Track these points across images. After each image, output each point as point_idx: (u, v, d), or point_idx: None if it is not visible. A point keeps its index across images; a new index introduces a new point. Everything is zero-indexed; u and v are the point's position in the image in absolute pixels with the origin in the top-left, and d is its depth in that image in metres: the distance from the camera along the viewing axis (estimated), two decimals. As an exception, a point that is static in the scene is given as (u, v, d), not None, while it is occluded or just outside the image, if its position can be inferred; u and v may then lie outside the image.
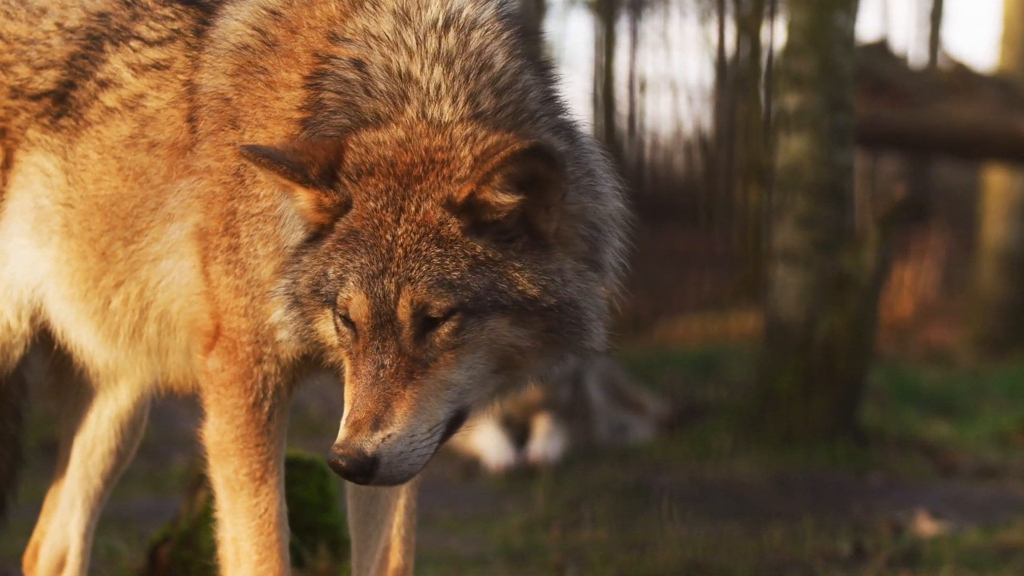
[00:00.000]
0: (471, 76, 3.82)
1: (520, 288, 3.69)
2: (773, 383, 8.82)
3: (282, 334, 3.91)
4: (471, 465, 9.21)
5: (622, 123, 17.33)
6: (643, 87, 17.17)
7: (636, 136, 17.09)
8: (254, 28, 4.10)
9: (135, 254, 4.23)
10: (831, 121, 8.83)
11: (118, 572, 5.85)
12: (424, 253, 3.67)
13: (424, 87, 3.80)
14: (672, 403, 10.12)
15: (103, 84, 4.32)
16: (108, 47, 4.35)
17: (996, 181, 14.54)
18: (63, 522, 4.89)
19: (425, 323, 3.68)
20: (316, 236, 3.81)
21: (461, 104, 3.79)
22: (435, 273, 3.66)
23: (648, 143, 17.30)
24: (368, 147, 3.76)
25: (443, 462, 9.02)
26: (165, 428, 8.89)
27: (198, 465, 5.42)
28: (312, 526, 5.58)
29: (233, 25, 4.14)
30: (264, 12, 4.11)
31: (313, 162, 3.76)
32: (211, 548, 4.28)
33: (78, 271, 4.32)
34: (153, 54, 4.28)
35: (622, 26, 18.15)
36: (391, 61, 3.85)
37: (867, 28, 29.42)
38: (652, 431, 9.79)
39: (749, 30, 15.97)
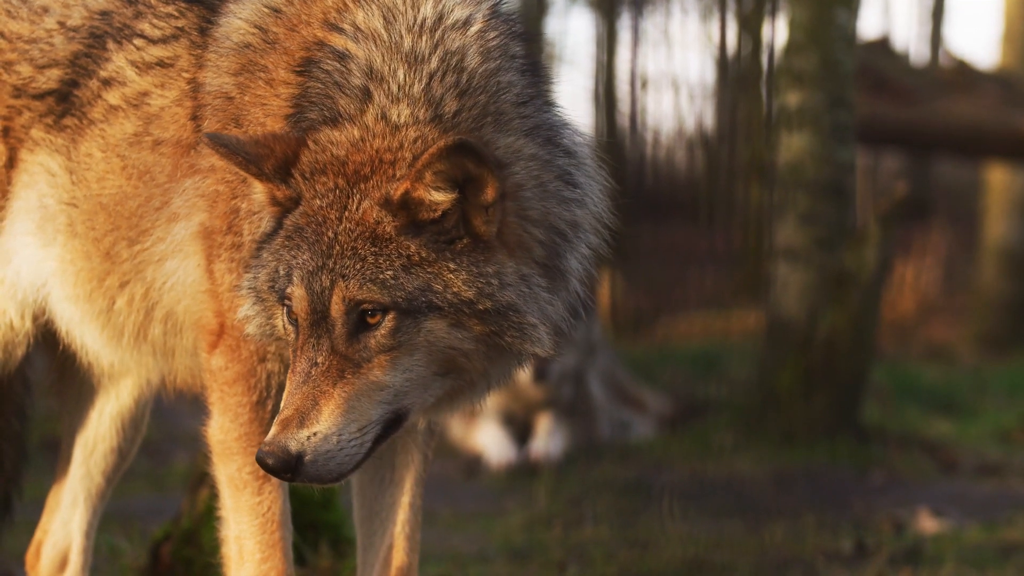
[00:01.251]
0: (435, 78, 3.84)
1: (455, 290, 3.70)
2: (774, 381, 8.82)
3: (250, 328, 3.94)
4: (473, 463, 9.21)
5: (623, 121, 17.32)
6: (645, 84, 17.15)
7: (637, 134, 17.07)
8: (256, 26, 4.11)
9: (140, 254, 4.23)
10: (832, 119, 8.83)
11: (120, 570, 5.85)
12: (359, 251, 3.70)
13: (388, 87, 3.83)
14: (673, 401, 10.11)
15: (107, 82, 4.32)
16: (111, 45, 4.35)
17: (997, 179, 14.53)
18: (65, 520, 4.90)
19: (359, 323, 3.70)
20: (273, 231, 3.85)
21: (420, 106, 3.81)
22: (368, 272, 3.69)
23: (649, 140, 17.28)
24: (324, 146, 3.80)
25: (445, 460, 9.03)
26: (167, 426, 8.89)
27: (200, 463, 5.44)
28: (314, 524, 5.58)
29: (236, 23, 4.14)
30: (266, 10, 4.12)
31: (270, 155, 3.81)
32: (213, 546, 4.28)
33: (82, 271, 4.32)
34: (157, 52, 4.28)
35: (623, 23, 18.14)
36: (370, 57, 3.88)
37: (868, 25, 29.41)
38: (653, 429, 9.79)
39: (750, 27, 15.96)
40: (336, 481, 3.76)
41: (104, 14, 4.39)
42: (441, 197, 3.70)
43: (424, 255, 3.70)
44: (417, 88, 3.82)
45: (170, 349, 4.35)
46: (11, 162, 4.42)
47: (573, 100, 18.27)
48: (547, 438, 9.32)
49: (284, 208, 3.83)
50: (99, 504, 4.92)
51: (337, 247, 3.71)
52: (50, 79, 4.39)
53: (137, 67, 4.30)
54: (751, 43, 16.00)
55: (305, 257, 3.74)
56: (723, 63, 16.94)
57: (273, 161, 3.81)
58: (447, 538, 6.92)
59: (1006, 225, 14.46)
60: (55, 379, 4.88)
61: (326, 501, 5.63)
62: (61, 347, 4.59)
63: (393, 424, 3.77)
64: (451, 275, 3.70)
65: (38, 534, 4.92)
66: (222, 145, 3.83)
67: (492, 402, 9.42)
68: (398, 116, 3.80)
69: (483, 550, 6.75)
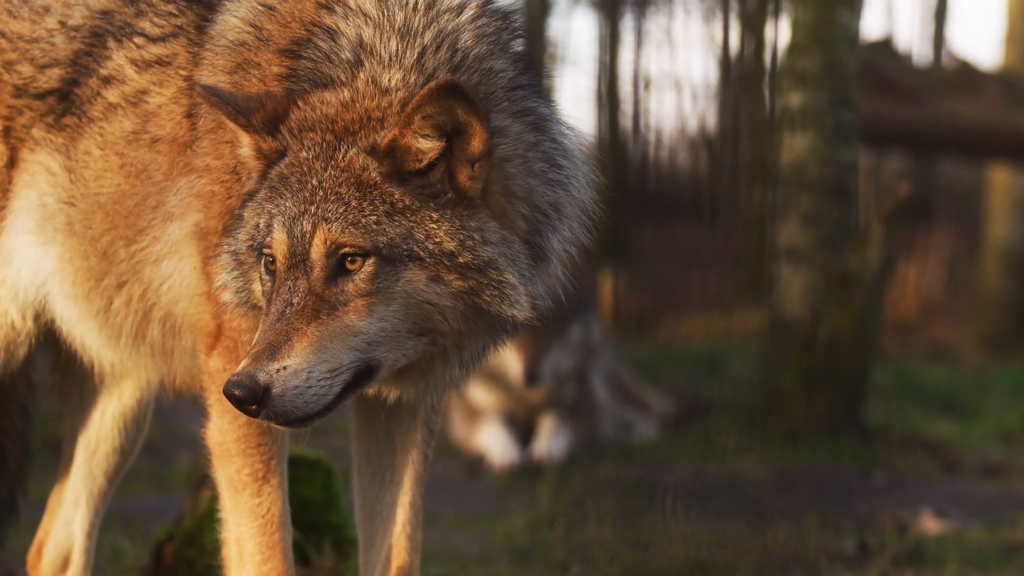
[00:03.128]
0: (428, 50, 3.87)
1: (437, 240, 3.70)
2: (777, 381, 8.82)
3: (226, 296, 3.96)
4: (475, 463, 9.21)
5: (626, 121, 17.34)
6: (647, 85, 17.16)
7: (640, 134, 17.08)
8: (250, 24, 4.12)
9: (137, 254, 4.23)
10: (835, 119, 8.82)
11: (122, 570, 5.85)
12: (343, 196, 3.72)
13: (380, 56, 3.86)
14: (676, 401, 10.11)
15: (106, 80, 4.33)
16: (112, 43, 4.35)
17: (1000, 179, 14.52)
18: (67, 520, 4.90)
19: (339, 266, 3.71)
20: (257, 188, 3.87)
21: (412, 73, 3.84)
22: (351, 215, 3.71)
23: (652, 141, 17.30)
24: (314, 105, 3.83)
25: (448, 461, 9.03)
26: (169, 426, 8.89)
27: (202, 464, 5.43)
28: (316, 524, 5.58)
29: (232, 22, 4.15)
30: (260, 8, 4.13)
31: (259, 109, 3.84)
32: (215, 547, 4.28)
33: (80, 270, 4.32)
34: (156, 50, 4.29)
35: (626, 24, 18.13)
36: (360, 32, 3.90)
37: (871, 26, 29.39)
38: (656, 429, 9.79)
39: (753, 28, 15.97)
40: (302, 423, 3.73)
41: (105, 13, 4.40)
42: (427, 145, 3.72)
43: (408, 203, 3.72)
44: (410, 57, 3.85)
45: (169, 350, 4.35)
46: (12, 162, 4.42)
47: (576, 100, 18.26)
48: (550, 438, 9.32)
49: (269, 161, 3.86)
50: (101, 504, 4.93)
51: (321, 192, 3.73)
52: (51, 78, 4.40)
53: (136, 65, 4.31)
54: (754, 43, 16.01)
55: (288, 204, 3.76)
56: (726, 63, 16.95)
57: (262, 114, 3.84)
58: (450, 538, 6.92)
59: (1009, 225, 14.45)
60: (57, 379, 4.88)
61: (328, 502, 5.63)
62: (63, 347, 4.59)
63: (364, 375, 3.76)
64: (433, 225, 3.71)
65: (40, 534, 4.92)
66: (216, 95, 3.86)
67: (495, 403, 9.44)
68: (389, 80, 3.83)
69: (486, 550, 6.74)
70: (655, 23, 18.14)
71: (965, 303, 15.82)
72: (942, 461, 8.94)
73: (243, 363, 3.68)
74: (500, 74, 3.92)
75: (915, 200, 13.06)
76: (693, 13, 18.44)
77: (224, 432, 4.14)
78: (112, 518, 6.27)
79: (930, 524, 7.22)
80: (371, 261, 3.70)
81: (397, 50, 3.85)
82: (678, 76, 17.50)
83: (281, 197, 3.78)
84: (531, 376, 9.18)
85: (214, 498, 4.30)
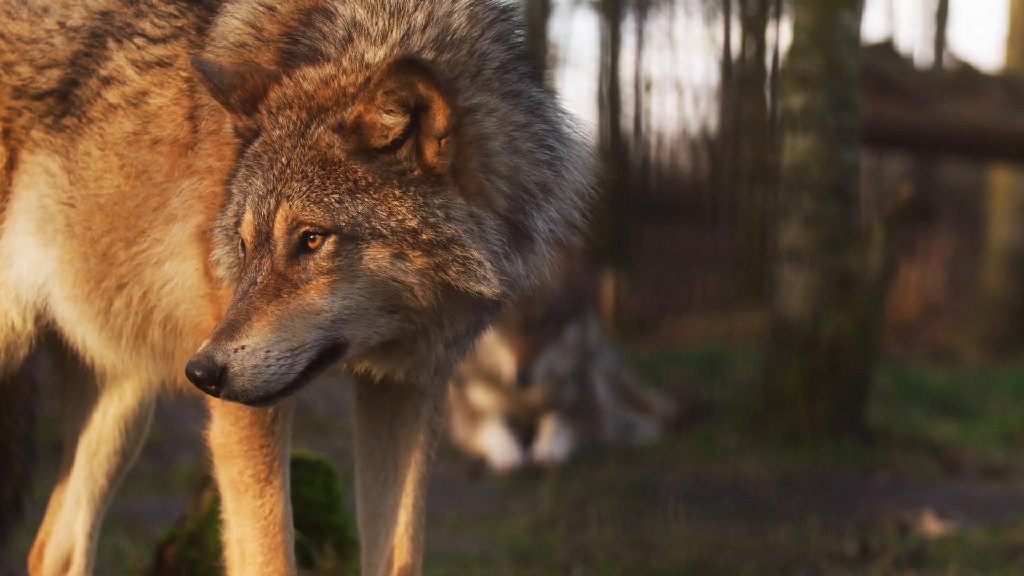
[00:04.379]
0: (417, 30, 3.86)
1: (399, 217, 3.69)
2: (779, 382, 8.82)
3: (220, 271, 3.97)
4: (477, 465, 9.21)
5: (628, 123, 17.34)
6: (648, 87, 17.15)
7: (642, 136, 17.08)
8: (251, 25, 4.12)
9: (137, 256, 4.23)
10: (836, 121, 8.82)
11: (124, 572, 5.85)
12: (308, 174, 3.72)
13: (368, 34, 3.86)
14: (678, 402, 10.11)
15: (106, 81, 4.32)
16: (112, 44, 4.35)
17: (1002, 181, 14.52)
18: (68, 522, 4.90)
19: (300, 245, 3.71)
20: (236, 168, 3.89)
21: (396, 51, 3.81)
22: (313, 194, 3.70)
23: (654, 143, 17.29)
24: (296, 81, 3.83)
25: (449, 462, 9.03)
26: (171, 428, 8.89)
27: (204, 465, 5.44)
28: (318, 526, 5.58)
29: (232, 23, 4.15)
30: (260, 8, 4.12)
31: (240, 87, 3.85)
32: (217, 548, 4.28)
33: (80, 272, 4.32)
34: (157, 51, 4.29)
35: (627, 26, 18.12)
36: (355, 12, 3.90)
37: (873, 27, 29.38)
38: (658, 430, 9.79)
39: (754, 30, 15.97)
40: (264, 402, 3.73)
41: (105, 14, 4.39)
42: (392, 120, 3.72)
43: (371, 180, 3.71)
44: (396, 35, 3.85)
45: (170, 352, 4.35)
46: (11, 163, 4.42)
47: (577, 102, 18.24)
48: (551, 440, 9.32)
49: (245, 139, 3.87)
50: (102, 506, 4.92)
51: (288, 171, 3.74)
52: (50, 79, 4.39)
53: (137, 66, 4.31)
54: (755, 45, 16.02)
55: (258, 183, 3.77)
56: (727, 65, 16.95)
57: (241, 93, 3.85)
58: (451, 539, 6.92)
59: (1010, 227, 14.45)
60: (58, 381, 4.88)
61: (330, 503, 5.62)
62: (64, 348, 4.59)
63: (331, 354, 3.75)
64: (396, 202, 3.70)
65: (41, 535, 4.92)
66: (203, 71, 3.88)
67: (495, 404, 9.45)
68: (373, 56, 3.83)
69: (487, 552, 6.74)
70: (656, 25, 18.14)
71: (966, 304, 15.82)
72: (944, 462, 8.94)
73: (204, 343, 3.70)
74: (491, 56, 3.91)
75: (916, 202, 13.06)
76: (694, 15, 18.43)
77: (227, 434, 4.14)
78: (114, 519, 6.27)
79: (932, 525, 7.23)
80: (332, 239, 3.69)
81: (385, 28, 3.85)
82: (679, 78, 17.49)
83: (254, 176, 3.79)
84: (523, 377, 9.18)
85: (216, 499, 4.30)
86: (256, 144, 3.83)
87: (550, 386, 9.43)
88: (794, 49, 8.91)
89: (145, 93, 4.27)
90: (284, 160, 3.75)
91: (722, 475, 8.35)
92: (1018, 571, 6.42)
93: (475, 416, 9.52)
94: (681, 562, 6.41)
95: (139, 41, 4.32)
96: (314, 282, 3.70)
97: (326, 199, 3.70)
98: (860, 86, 9.15)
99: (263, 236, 3.74)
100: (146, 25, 4.33)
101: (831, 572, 6.31)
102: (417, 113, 3.72)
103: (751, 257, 15.15)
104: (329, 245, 3.70)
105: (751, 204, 15.27)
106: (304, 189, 3.71)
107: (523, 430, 9.45)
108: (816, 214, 8.82)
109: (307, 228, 3.71)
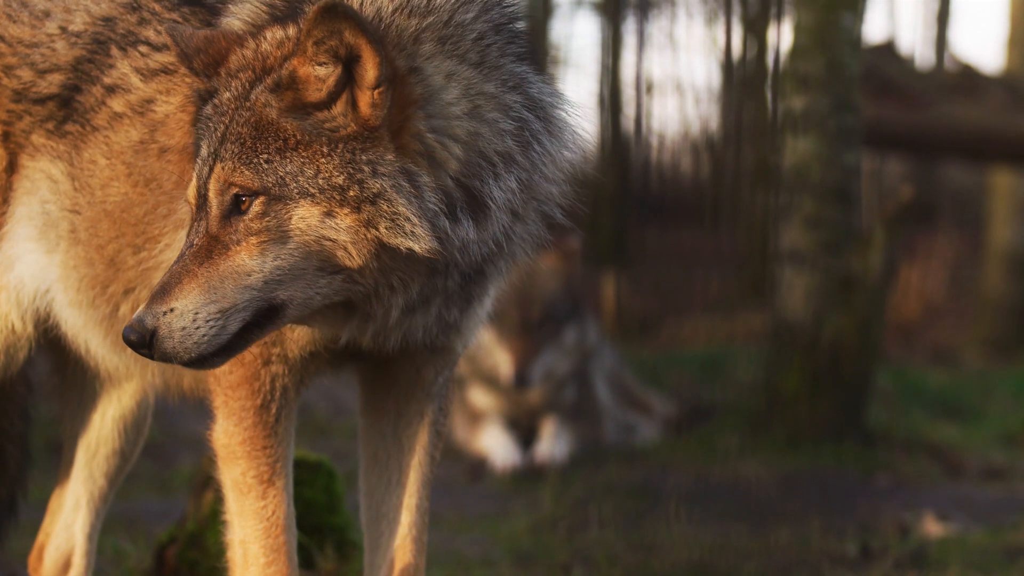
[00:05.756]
0: None
1: (325, 175, 3.68)
2: (780, 384, 8.82)
3: None
4: (478, 466, 9.21)
5: (629, 124, 17.34)
6: (650, 88, 17.16)
7: (643, 137, 17.09)
8: (253, 25, 4.11)
9: (146, 261, 4.23)
10: (838, 122, 8.82)
11: (125, 573, 5.86)
12: (242, 135, 3.72)
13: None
14: (679, 404, 10.11)
15: (111, 89, 4.32)
16: (115, 52, 4.35)
17: (1003, 183, 14.52)
18: (68, 523, 4.90)
19: (232, 206, 3.71)
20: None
21: (363, 10, 3.80)
22: (244, 155, 3.70)
23: (655, 144, 17.29)
24: (258, 42, 3.84)
25: (450, 463, 9.03)
26: (171, 429, 8.89)
27: (204, 466, 5.44)
28: (319, 527, 5.58)
29: (235, 24, 4.14)
30: (262, 8, 4.12)
31: (205, 51, 3.86)
32: (218, 549, 4.28)
33: (86, 277, 4.32)
34: (161, 58, 4.29)
35: (628, 27, 18.12)
36: None
37: (874, 29, 29.40)
38: (659, 432, 9.79)
39: (756, 31, 15.98)
40: (199, 364, 3.73)
41: (107, 20, 4.39)
42: (324, 72, 3.70)
43: (300, 138, 3.70)
44: (368, 3, 3.82)
45: (176, 354, 4.35)
46: (11, 167, 4.42)
47: (578, 104, 18.23)
48: (552, 441, 9.32)
49: (204, 101, 3.88)
50: (102, 507, 4.93)
51: (228, 134, 3.74)
52: (51, 83, 4.39)
53: (142, 74, 4.31)
54: (756, 47, 16.02)
55: (203, 148, 3.79)
56: (728, 67, 16.95)
57: (204, 57, 3.86)
58: (452, 541, 6.92)
59: (1012, 229, 14.45)
60: (57, 382, 4.88)
61: (331, 504, 5.63)
62: (63, 351, 4.59)
63: (268, 316, 3.74)
64: (324, 160, 3.69)
65: (40, 537, 4.93)
66: (173, 36, 3.90)
67: (495, 406, 9.45)
68: None
69: (488, 553, 6.74)
70: (657, 26, 18.15)
71: (967, 306, 15.82)
72: (944, 464, 8.94)
73: (139, 308, 3.71)
74: (472, 28, 3.88)
75: (917, 203, 13.06)
76: (695, 16, 18.44)
77: (229, 435, 4.14)
78: (114, 520, 6.28)
79: (932, 527, 7.23)
80: (260, 200, 3.69)
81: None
82: (680, 79, 17.50)
83: (203, 139, 3.81)
84: (520, 378, 9.18)
85: (217, 500, 4.30)
86: (208, 107, 3.84)
87: (549, 387, 9.44)
88: (795, 50, 8.91)
89: (151, 101, 4.27)
90: (226, 123, 3.76)
91: (723, 476, 8.35)
92: (1019, 573, 6.43)
93: (475, 417, 9.52)
94: (682, 563, 6.40)
95: (143, 49, 4.33)
96: (244, 243, 3.70)
97: (255, 160, 3.70)
98: (861, 88, 9.15)
99: (201, 199, 3.75)
100: (150, 32, 4.33)
101: (832, 573, 6.31)
102: (350, 65, 3.69)
103: (752, 258, 15.16)
104: (257, 206, 3.69)
105: (752, 205, 15.28)
106: (236, 151, 3.71)
107: (523, 431, 9.45)
108: (817, 215, 8.82)
109: (236, 190, 3.71)
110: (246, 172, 3.70)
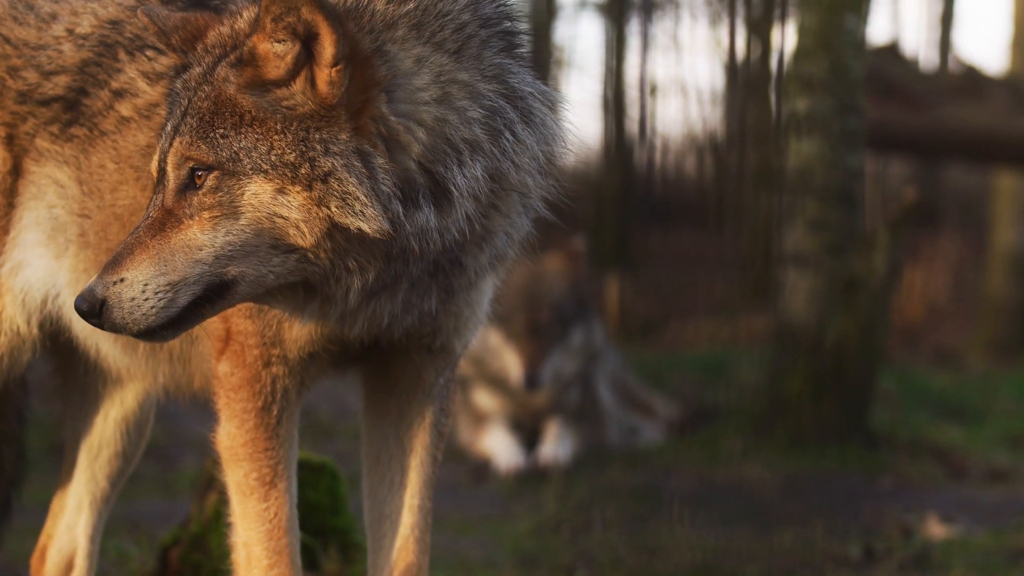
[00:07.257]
0: None
1: (278, 152, 3.67)
2: (783, 386, 8.82)
3: None
4: (481, 468, 9.21)
5: (633, 126, 17.33)
6: (653, 90, 17.16)
7: (646, 139, 17.08)
8: None
9: (155, 263, 4.23)
10: (841, 124, 8.82)
11: (128, 575, 5.86)
12: (201, 110, 3.72)
13: None
14: (682, 406, 10.11)
15: (118, 94, 4.33)
16: (123, 56, 4.35)
17: (1006, 185, 14.52)
18: (70, 525, 4.90)
19: (188, 181, 3.71)
20: None
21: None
22: (201, 130, 3.70)
23: (658, 146, 17.29)
24: (234, 21, 3.85)
25: (453, 465, 9.03)
26: (174, 430, 8.90)
27: (208, 467, 5.44)
28: (322, 529, 5.58)
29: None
30: None
31: (183, 28, 3.87)
32: (221, 551, 4.29)
33: (96, 281, 4.32)
34: (168, 62, 4.28)
35: (632, 29, 18.11)
36: None
37: (877, 31, 29.42)
38: (662, 434, 9.79)
39: (759, 33, 15.97)
40: (148, 336, 3.73)
41: (114, 23, 4.39)
42: (282, 48, 3.69)
43: (256, 114, 3.69)
44: None
45: (186, 356, 4.35)
46: (16, 171, 4.42)
47: (582, 105, 18.26)
48: (555, 443, 9.32)
49: (178, 76, 3.89)
50: (104, 508, 4.93)
51: (190, 108, 3.75)
52: (57, 85, 4.39)
53: (148, 78, 4.31)
54: (760, 48, 16.02)
55: (168, 123, 3.80)
56: (732, 68, 16.95)
57: (182, 33, 3.87)
58: (455, 543, 6.93)
59: (1015, 231, 14.44)
60: (59, 384, 4.89)
61: (334, 506, 5.63)
62: (65, 352, 4.59)
63: (219, 291, 3.73)
64: (277, 136, 3.68)
65: (43, 539, 4.93)
66: (147, 16, 3.91)
67: (499, 407, 9.45)
68: None
69: (491, 555, 6.75)
70: (661, 28, 18.15)
71: (971, 308, 15.81)
72: (948, 466, 8.94)
73: (92, 278, 3.72)
74: (453, 18, 3.86)
75: (921, 205, 13.04)
76: (699, 18, 18.44)
77: (232, 436, 4.14)
78: (118, 522, 6.28)
79: (936, 529, 7.22)
80: (214, 175, 3.68)
81: None
82: (684, 81, 17.50)
83: (169, 114, 3.82)
84: (531, 380, 9.19)
85: (220, 502, 4.31)
86: (178, 82, 3.85)
87: (555, 389, 9.44)
88: (799, 53, 8.92)
89: (157, 105, 4.27)
90: (189, 97, 3.76)
91: (726, 479, 8.35)
92: (1022, 574, 6.42)
93: (479, 419, 9.52)
94: (685, 566, 6.40)
95: (150, 53, 4.33)
96: (196, 218, 3.69)
97: (212, 134, 3.69)
98: (865, 90, 9.15)
99: (160, 173, 3.76)
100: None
101: (835, 576, 6.31)
102: (309, 42, 3.69)
103: (755, 261, 15.16)
104: (211, 180, 3.68)
105: (755, 208, 15.28)
106: (195, 124, 3.71)
107: (527, 433, 9.45)
108: (820, 218, 8.82)
109: (192, 163, 3.70)
110: (202, 146, 3.69)
